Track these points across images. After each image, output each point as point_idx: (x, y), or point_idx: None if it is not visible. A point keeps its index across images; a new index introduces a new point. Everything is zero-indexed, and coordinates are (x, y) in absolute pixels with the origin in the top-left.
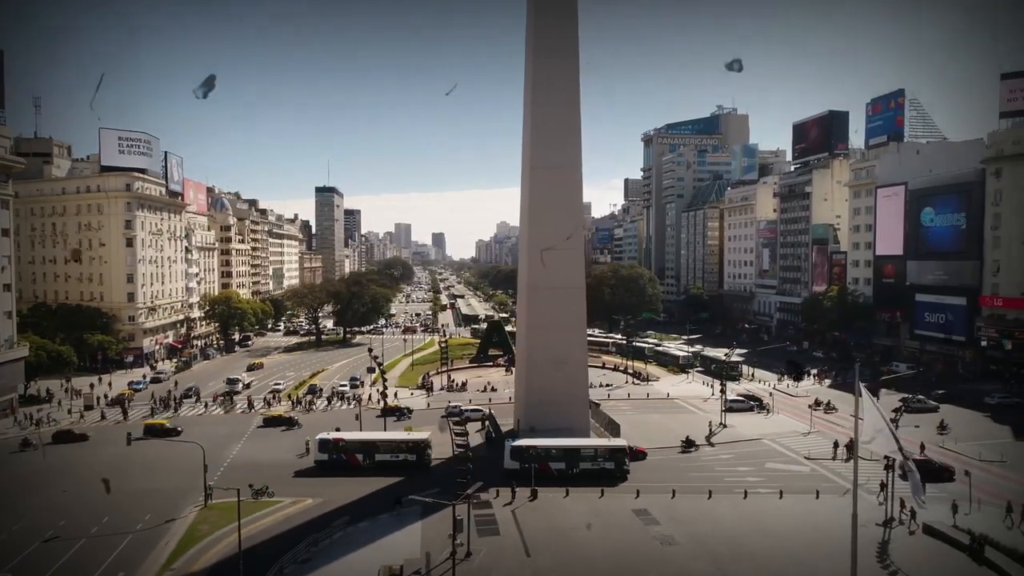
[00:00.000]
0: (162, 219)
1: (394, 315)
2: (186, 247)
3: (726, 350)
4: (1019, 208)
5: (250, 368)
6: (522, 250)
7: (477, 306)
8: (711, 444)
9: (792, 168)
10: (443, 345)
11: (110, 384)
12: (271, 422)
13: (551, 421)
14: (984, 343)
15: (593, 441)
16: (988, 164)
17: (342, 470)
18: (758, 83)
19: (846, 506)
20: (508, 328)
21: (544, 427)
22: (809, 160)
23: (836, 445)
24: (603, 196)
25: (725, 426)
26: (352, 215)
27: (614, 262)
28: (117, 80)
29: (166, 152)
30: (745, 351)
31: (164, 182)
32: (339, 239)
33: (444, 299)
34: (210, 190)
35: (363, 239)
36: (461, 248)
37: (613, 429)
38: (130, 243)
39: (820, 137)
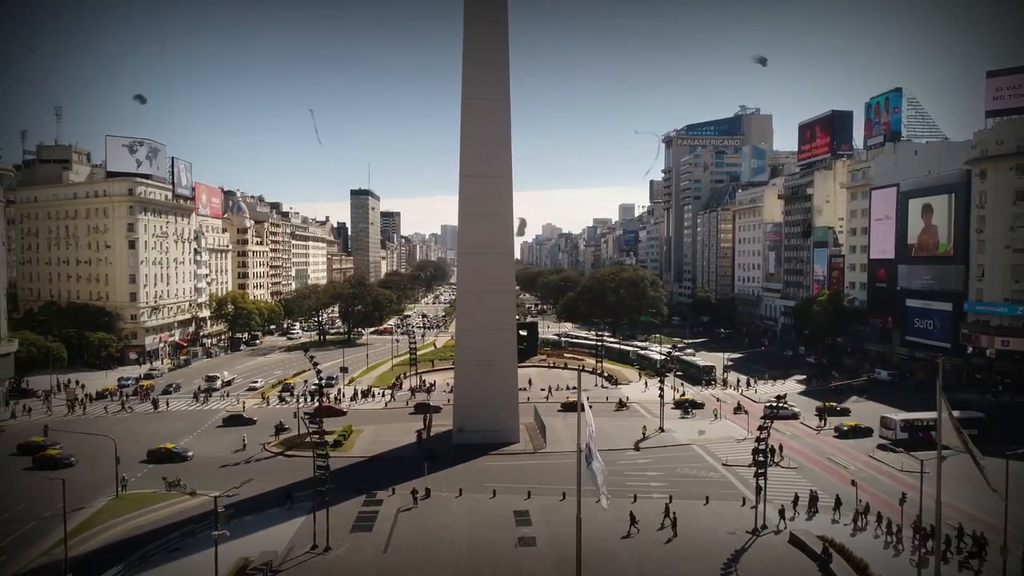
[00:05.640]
0: (167, 222)
1: (408, 316)
2: (195, 249)
3: (676, 347)
4: (1003, 210)
5: (209, 378)
6: (458, 255)
7: None
8: (637, 449)
9: (797, 170)
10: (412, 347)
11: (80, 383)
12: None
13: (481, 421)
14: (970, 350)
15: None
16: (973, 165)
17: None
18: (788, 81)
19: (728, 513)
20: None
21: (474, 428)
22: (814, 161)
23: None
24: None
25: (663, 430)
26: (390, 217)
27: (617, 265)
28: (159, 89)
29: (173, 158)
30: (740, 355)
31: (170, 186)
32: (374, 241)
33: None
34: (229, 193)
35: (403, 241)
36: None
37: (543, 431)
38: (132, 245)
39: (824, 137)
